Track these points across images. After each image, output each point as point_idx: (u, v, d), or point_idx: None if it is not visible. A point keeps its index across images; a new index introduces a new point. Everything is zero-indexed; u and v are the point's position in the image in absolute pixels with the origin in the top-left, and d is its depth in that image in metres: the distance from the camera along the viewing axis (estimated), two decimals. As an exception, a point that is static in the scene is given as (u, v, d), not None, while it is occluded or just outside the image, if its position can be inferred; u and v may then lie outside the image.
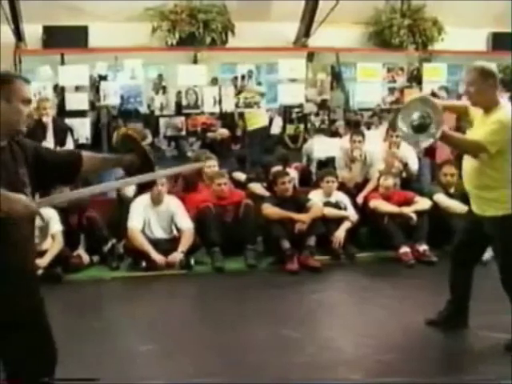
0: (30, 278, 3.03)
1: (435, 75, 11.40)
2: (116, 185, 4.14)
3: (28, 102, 3.01)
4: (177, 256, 7.38)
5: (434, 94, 5.45)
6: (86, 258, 7.45)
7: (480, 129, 4.78)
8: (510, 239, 4.78)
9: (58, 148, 8.40)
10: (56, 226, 7.15)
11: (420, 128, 4.62)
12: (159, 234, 7.69)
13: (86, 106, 10.50)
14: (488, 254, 7.21)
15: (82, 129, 10.19)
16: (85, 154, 3.26)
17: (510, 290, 4.92)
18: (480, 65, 4.85)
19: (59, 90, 10.92)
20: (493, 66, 4.92)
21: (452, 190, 7.89)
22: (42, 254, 6.83)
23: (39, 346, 2.99)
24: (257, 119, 11.34)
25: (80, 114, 10.45)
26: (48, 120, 8.56)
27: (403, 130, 4.74)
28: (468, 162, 4.92)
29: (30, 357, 2.95)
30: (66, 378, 3.15)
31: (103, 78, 11.40)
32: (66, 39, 11.05)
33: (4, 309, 2.84)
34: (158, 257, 7.33)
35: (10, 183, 2.85)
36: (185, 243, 7.47)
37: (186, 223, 7.61)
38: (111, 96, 10.78)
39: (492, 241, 5.03)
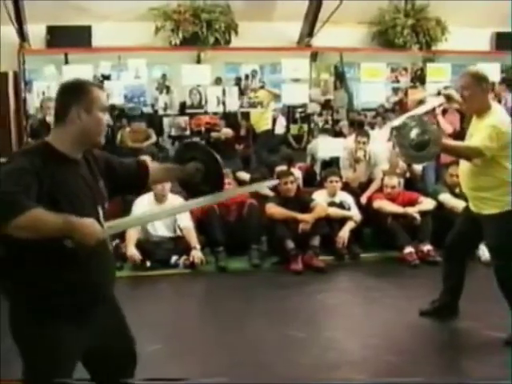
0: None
1: (439, 75, 11.37)
2: (192, 205, 3.97)
3: (106, 110, 2.89)
4: (196, 254, 7.33)
5: (440, 95, 5.43)
6: (89, 257, 7.42)
7: (475, 133, 4.89)
8: (506, 236, 4.86)
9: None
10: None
11: (420, 146, 4.71)
12: (162, 231, 7.67)
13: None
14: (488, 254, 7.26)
15: (86, 128, 10.20)
16: (150, 164, 3.22)
17: (505, 288, 4.99)
18: (474, 69, 5.03)
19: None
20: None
21: (457, 190, 7.88)
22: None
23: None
24: (264, 121, 11.39)
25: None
26: (52, 119, 8.54)
27: (403, 151, 4.87)
28: (464, 165, 5.07)
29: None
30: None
31: (107, 77, 11.43)
32: (69, 39, 11.06)
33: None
34: (132, 252, 7.26)
35: (94, 199, 2.83)
36: (193, 240, 7.45)
37: (186, 222, 7.58)
38: (115, 96, 10.80)
39: (487, 239, 5.15)
